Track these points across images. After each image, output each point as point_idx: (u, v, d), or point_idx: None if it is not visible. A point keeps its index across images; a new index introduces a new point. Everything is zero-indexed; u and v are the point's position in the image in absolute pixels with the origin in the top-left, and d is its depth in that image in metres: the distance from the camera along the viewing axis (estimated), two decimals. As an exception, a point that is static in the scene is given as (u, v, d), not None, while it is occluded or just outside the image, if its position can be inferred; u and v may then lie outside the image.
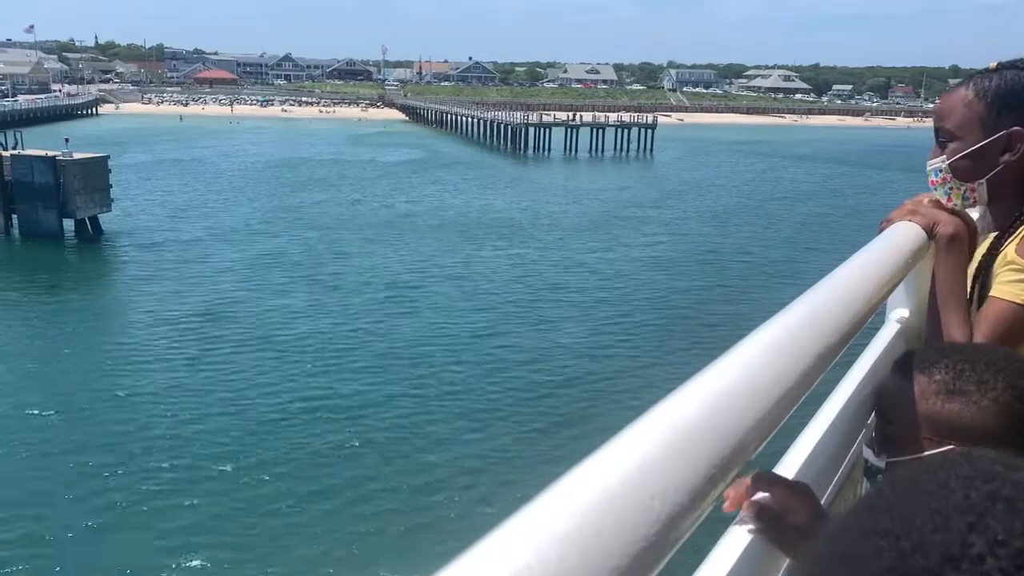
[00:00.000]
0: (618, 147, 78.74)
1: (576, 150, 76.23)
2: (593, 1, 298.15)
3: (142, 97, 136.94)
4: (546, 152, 74.91)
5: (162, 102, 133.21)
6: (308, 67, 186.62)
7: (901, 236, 1.45)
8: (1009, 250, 1.51)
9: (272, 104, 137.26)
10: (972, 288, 1.56)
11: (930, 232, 1.50)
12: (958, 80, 1.71)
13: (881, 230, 1.53)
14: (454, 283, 24.93)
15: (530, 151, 75.23)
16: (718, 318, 21.42)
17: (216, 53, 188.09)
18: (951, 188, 1.61)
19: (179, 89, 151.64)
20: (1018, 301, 1.44)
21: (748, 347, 0.77)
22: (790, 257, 30.14)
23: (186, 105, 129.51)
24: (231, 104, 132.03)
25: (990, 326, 1.45)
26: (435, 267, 27.02)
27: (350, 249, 29.45)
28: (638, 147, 78.66)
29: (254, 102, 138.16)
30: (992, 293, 1.49)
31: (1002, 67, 1.62)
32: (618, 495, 0.48)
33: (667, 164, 67.31)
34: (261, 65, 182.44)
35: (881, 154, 78.34)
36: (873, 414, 1.30)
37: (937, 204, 1.59)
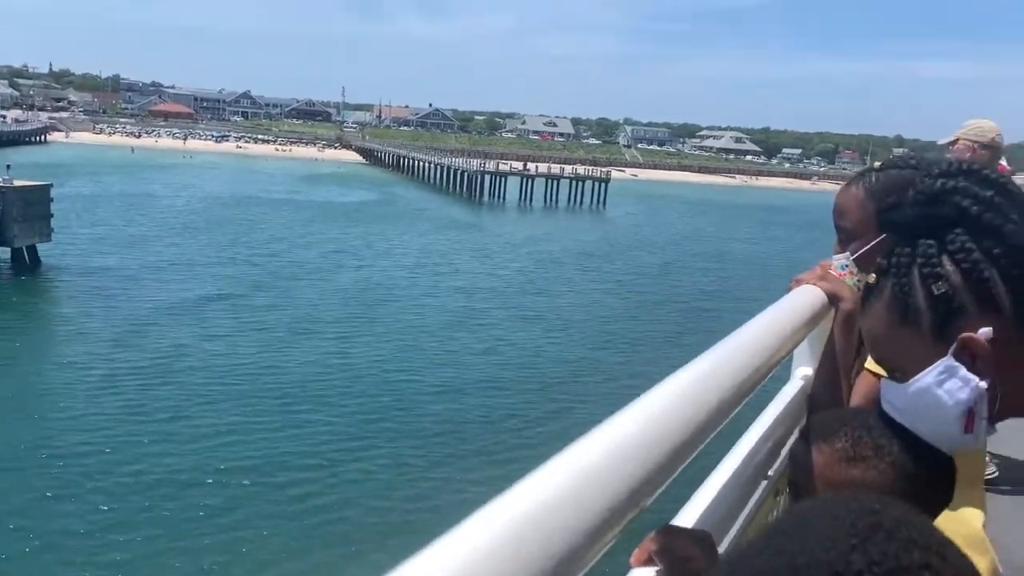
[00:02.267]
0: (572, 199, 79.69)
1: (531, 200, 76.90)
2: (554, 55, 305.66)
3: (94, 127, 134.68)
4: (501, 200, 75.43)
5: (114, 133, 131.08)
6: (267, 105, 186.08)
7: (806, 299, 1.54)
8: None
9: (227, 140, 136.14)
10: (857, 357, 1.64)
11: (833, 300, 1.60)
12: (857, 175, 1.83)
13: (790, 289, 1.63)
14: (393, 325, 24.65)
15: (485, 198, 75.67)
16: (642, 365, 21.45)
17: (173, 87, 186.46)
18: (858, 280, 1.70)
19: (133, 121, 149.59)
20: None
21: (653, 397, 0.79)
22: (721, 308, 30.49)
23: (139, 137, 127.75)
24: (185, 138, 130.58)
25: (861, 398, 1.57)
26: (376, 309, 26.71)
27: (290, 287, 28.99)
28: (592, 200, 79.71)
29: (209, 137, 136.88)
30: (866, 365, 1.57)
31: (885, 166, 1.77)
32: (522, 532, 0.51)
33: (619, 217, 68.24)
34: (219, 101, 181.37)
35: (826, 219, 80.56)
36: (777, 463, 1.37)
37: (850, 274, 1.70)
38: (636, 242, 51.02)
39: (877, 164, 1.80)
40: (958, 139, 4.19)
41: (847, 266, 1.71)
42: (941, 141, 4.38)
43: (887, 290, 1.03)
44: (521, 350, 23.17)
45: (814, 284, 1.63)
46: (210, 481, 13.69)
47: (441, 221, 53.96)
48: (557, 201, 78.25)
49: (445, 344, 23.26)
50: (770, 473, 1.41)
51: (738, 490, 1.27)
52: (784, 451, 1.45)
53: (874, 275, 1.04)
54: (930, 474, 1.07)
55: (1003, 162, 4.53)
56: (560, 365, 21.91)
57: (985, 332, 0.94)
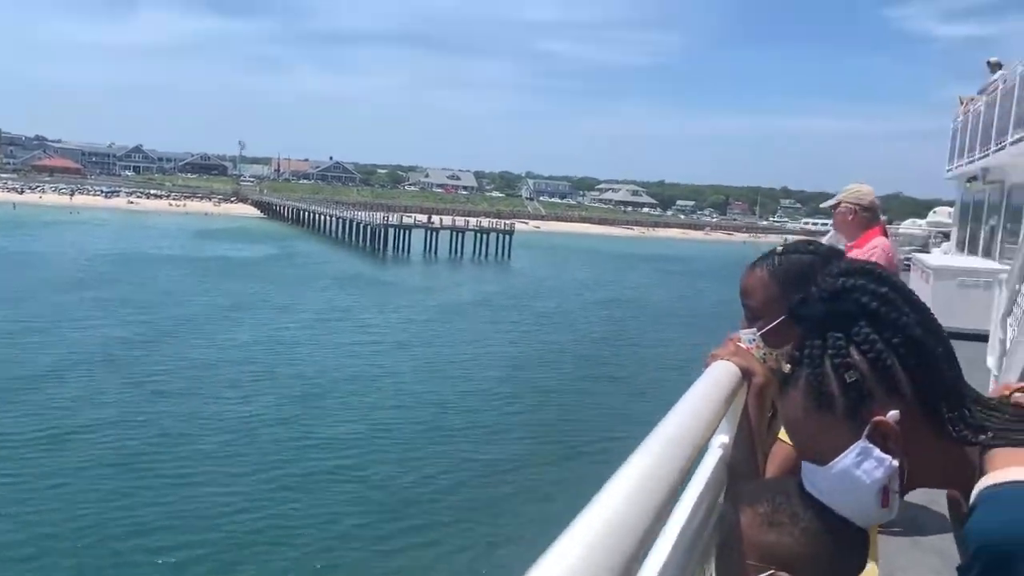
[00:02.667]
0: (477, 251, 80.00)
1: (436, 252, 76.76)
2: (456, 110, 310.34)
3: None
4: (406, 254, 74.95)
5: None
6: (160, 159, 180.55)
7: (724, 377, 1.69)
8: None
9: (118, 195, 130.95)
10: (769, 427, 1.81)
11: (745, 374, 1.76)
12: (760, 257, 1.99)
13: (707, 364, 1.78)
14: (293, 383, 23.78)
15: (389, 252, 75.04)
16: (551, 414, 21.45)
17: (60, 141, 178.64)
18: (765, 354, 1.85)
19: (15, 176, 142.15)
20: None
21: (593, 519, 0.80)
22: (623, 354, 30.88)
23: (21, 193, 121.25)
24: (72, 194, 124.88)
25: (776, 467, 1.73)
26: (275, 367, 25.75)
27: (181, 347, 27.65)
28: (497, 251, 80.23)
29: (98, 192, 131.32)
30: (779, 436, 1.73)
31: (787, 251, 1.93)
32: None
33: (524, 268, 68.81)
34: (109, 156, 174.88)
35: (725, 267, 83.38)
36: (707, 531, 1.47)
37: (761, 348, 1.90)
38: (542, 291, 51.38)
39: (779, 248, 1.96)
40: (840, 202, 4.44)
41: (754, 340, 1.87)
42: (824, 204, 4.72)
43: (802, 380, 1.12)
44: (428, 404, 22.69)
45: (728, 359, 1.77)
46: (90, 546, 12.63)
47: (343, 275, 53.03)
48: (462, 253, 78.37)
49: (346, 401, 22.55)
50: (702, 539, 1.48)
51: (677, 563, 1.31)
52: (712, 518, 1.53)
53: (788, 365, 1.14)
54: (842, 542, 1.18)
55: (883, 217, 4.80)
56: (467, 416, 21.54)
57: (893, 415, 1.05)
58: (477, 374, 26.81)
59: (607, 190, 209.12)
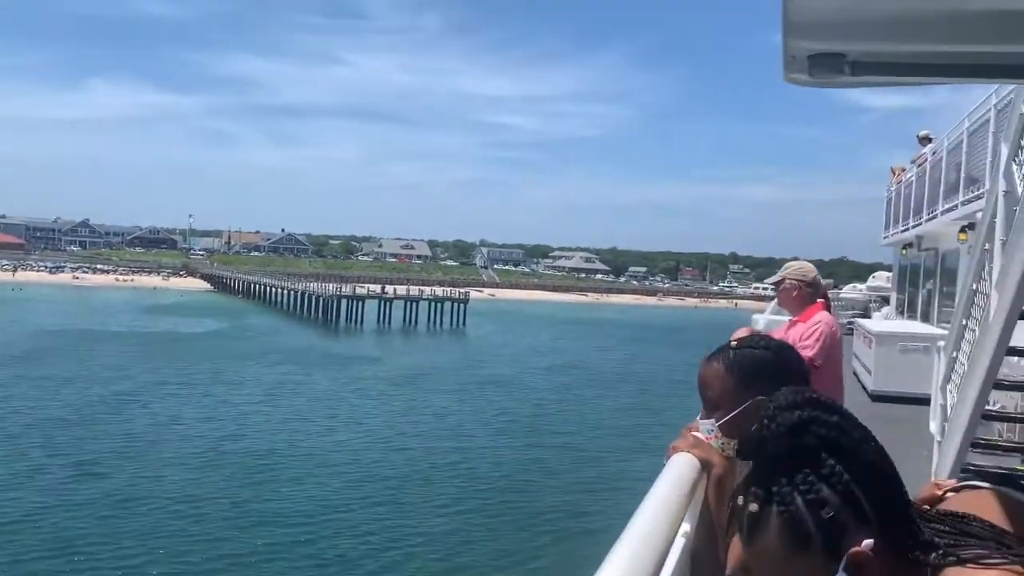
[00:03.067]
0: (432, 320, 79.55)
1: (390, 322, 76.12)
2: (409, 181, 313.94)
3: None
4: (359, 325, 74.16)
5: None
6: (107, 234, 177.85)
7: (686, 470, 1.81)
8: None
9: (63, 271, 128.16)
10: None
11: (705, 465, 1.88)
12: (716, 351, 2.07)
13: (668, 456, 1.90)
14: (242, 461, 23.00)
15: (342, 323, 74.21)
16: (513, 491, 21.05)
17: (3, 216, 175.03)
18: (723, 443, 1.93)
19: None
20: None
21: None
22: (577, 427, 30.66)
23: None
24: (14, 270, 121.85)
25: (735, 560, 1.75)
26: (223, 444, 24.93)
27: (125, 425, 26.67)
28: (451, 320, 79.88)
29: (42, 268, 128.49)
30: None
31: (740, 345, 2.04)
32: None
33: (480, 336, 68.60)
34: (54, 231, 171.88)
35: (677, 331, 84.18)
36: None
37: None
38: (498, 359, 51.10)
39: (733, 343, 2.06)
40: (784, 279, 4.56)
41: (712, 431, 1.95)
42: (768, 281, 4.76)
43: (775, 522, 1.09)
44: (380, 479, 22.10)
45: (688, 451, 1.88)
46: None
47: (294, 348, 52.13)
48: (416, 323, 77.83)
49: (297, 476, 21.85)
50: None
51: None
52: None
53: (754, 505, 1.11)
54: None
55: (828, 280, 4.94)
56: (422, 491, 21.00)
57: (868, 544, 1.04)
58: (432, 446, 26.29)
59: (560, 257, 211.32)
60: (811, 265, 4.65)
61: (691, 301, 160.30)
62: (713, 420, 1.97)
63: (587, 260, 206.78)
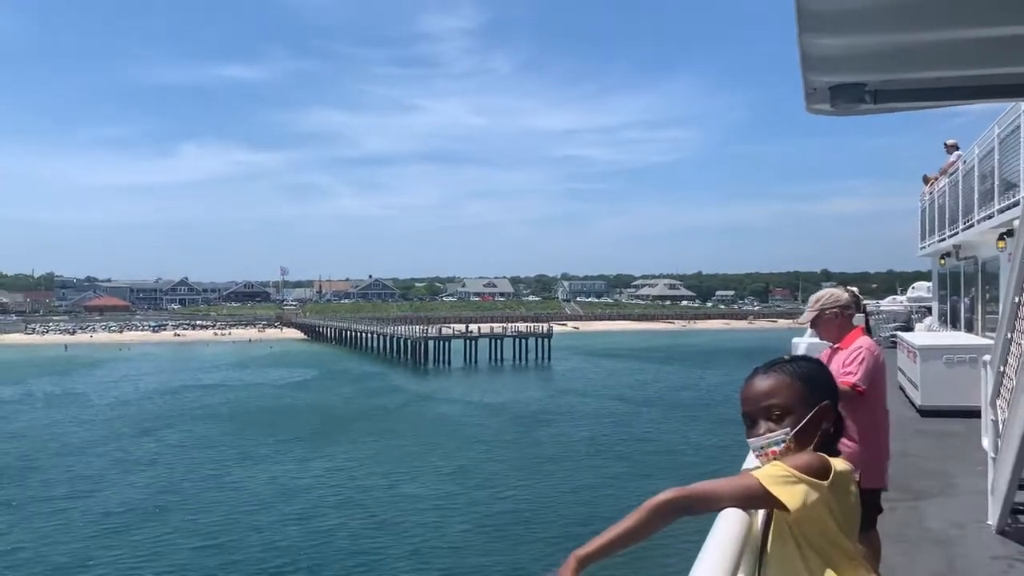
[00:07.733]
0: (517, 356, 79.59)
1: (476, 361, 76.51)
2: (488, 220, 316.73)
3: (25, 328, 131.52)
4: (447, 364, 74.78)
5: (47, 332, 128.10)
6: (204, 290, 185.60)
7: (736, 525, 1.80)
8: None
9: (165, 329, 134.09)
10: None
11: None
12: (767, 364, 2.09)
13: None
14: (342, 509, 23.26)
15: (430, 364, 75.00)
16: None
17: (109, 280, 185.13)
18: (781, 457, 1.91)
19: (67, 318, 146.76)
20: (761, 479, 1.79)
21: None
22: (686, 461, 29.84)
23: (73, 334, 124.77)
24: (120, 331, 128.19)
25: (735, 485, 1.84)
26: (296, 484, 25.30)
27: (239, 482, 27.42)
28: (536, 355, 79.72)
29: (146, 328, 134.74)
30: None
31: (792, 359, 2.06)
32: None
33: (566, 371, 68.08)
34: (155, 291, 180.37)
35: (775, 352, 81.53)
36: None
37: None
38: (588, 393, 50.53)
39: (785, 356, 2.08)
40: (822, 312, 4.61)
41: (785, 441, 1.91)
42: (803, 319, 4.80)
43: None
44: (493, 530, 21.94)
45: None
46: None
47: (385, 390, 52.87)
48: (502, 360, 77.96)
49: (407, 522, 21.92)
50: None
51: None
52: None
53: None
54: None
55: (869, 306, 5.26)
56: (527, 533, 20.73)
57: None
58: (548, 492, 26.01)
59: (643, 285, 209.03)
60: (837, 289, 4.78)
61: (783, 322, 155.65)
62: (787, 429, 1.94)
63: (671, 287, 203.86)
